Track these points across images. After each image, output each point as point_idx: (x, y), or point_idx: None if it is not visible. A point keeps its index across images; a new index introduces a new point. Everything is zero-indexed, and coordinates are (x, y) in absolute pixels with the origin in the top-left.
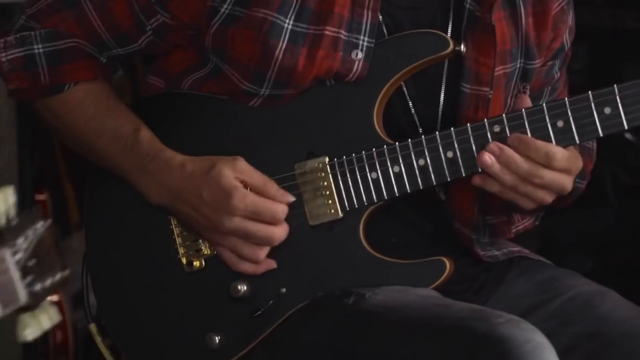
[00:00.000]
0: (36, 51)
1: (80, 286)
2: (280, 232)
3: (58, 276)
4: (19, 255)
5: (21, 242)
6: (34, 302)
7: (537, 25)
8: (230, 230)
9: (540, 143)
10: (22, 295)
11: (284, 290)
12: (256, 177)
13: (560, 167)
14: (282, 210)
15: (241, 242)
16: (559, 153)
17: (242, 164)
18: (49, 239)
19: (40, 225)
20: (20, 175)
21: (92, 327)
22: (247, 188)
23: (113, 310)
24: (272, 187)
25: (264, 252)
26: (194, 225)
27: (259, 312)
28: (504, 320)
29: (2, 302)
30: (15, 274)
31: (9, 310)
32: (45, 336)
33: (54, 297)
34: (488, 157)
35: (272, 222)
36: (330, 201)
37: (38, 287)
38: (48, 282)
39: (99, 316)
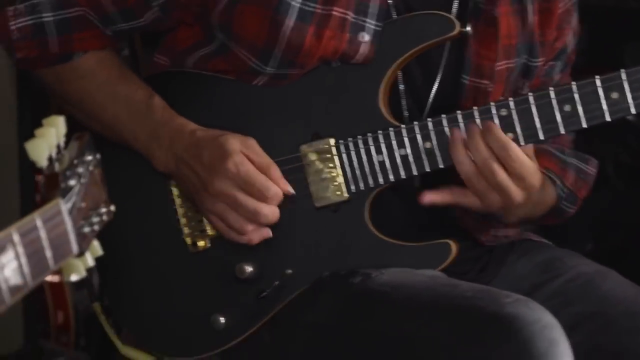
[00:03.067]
0: (45, 19)
1: None
2: (267, 210)
3: (105, 215)
4: (71, 202)
5: (74, 183)
6: (83, 247)
7: (542, 23)
8: (218, 192)
9: (502, 134)
10: (75, 246)
11: (289, 271)
12: (262, 157)
13: (515, 166)
14: (274, 190)
15: (229, 210)
16: (516, 150)
17: (252, 142)
18: (96, 174)
19: (91, 159)
20: (20, 155)
21: (96, 306)
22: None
23: (117, 290)
24: (275, 171)
25: (250, 226)
26: (190, 188)
27: (265, 293)
28: (512, 300)
29: (56, 256)
30: (69, 225)
31: (61, 263)
32: (46, 316)
33: (55, 278)
34: (457, 131)
35: (261, 198)
36: (335, 183)
37: (87, 229)
38: (96, 222)
39: (102, 296)
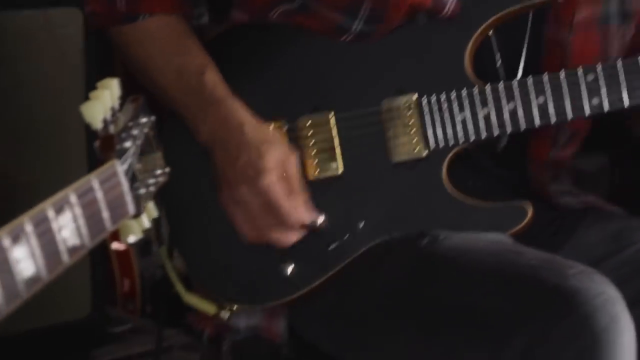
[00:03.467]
0: None
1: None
2: (278, 235)
3: (160, 176)
4: (127, 163)
5: (129, 145)
6: (139, 209)
7: None
8: (239, 200)
9: None
10: (131, 207)
11: (361, 225)
12: (297, 179)
13: None
14: (295, 219)
15: (243, 217)
16: None
17: (293, 159)
18: (151, 136)
19: (145, 122)
20: None
21: (162, 250)
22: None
23: (185, 238)
24: (304, 199)
25: (255, 235)
26: (215, 175)
27: (335, 244)
28: (576, 272)
29: (113, 217)
30: (125, 186)
31: (117, 224)
32: (113, 284)
33: (121, 247)
34: None
35: (279, 223)
36: (415, 139)
37: (143, 191)
38: (151, 183)
39: (170, 245)
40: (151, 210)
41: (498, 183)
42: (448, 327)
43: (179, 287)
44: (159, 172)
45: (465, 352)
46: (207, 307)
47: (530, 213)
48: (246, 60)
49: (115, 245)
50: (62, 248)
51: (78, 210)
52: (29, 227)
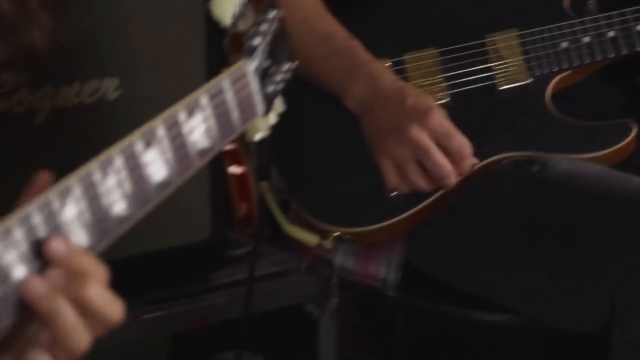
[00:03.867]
0: None
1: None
2: (452, 175)
3: (288, 71)
4: (256, 61)
5: (258, 42)
6: (267, 107)
7: None
8: (411, 138)
9: None
10: (260, 107)
11: None
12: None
13: None
14: (469, 152)
15: (411, 161)
16: None
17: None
18: (279, 30)
19: (273, 16)
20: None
21: (264, 185)
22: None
23: (288, 165)
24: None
25: (423, 183)
26: (377, 129)
27: None
28: None
29: (242, 118)
30: (255, 86)
31: (246, 125)
32: (231, 208)
33: (239, 170)
34: None
35: (455, 156)
36: (519, 68)
37: (271, 88)
38: (279, 80)
39: (268, 172)
40: (278, 105)
41: (602, 107)
42: (556, 250)
43: (280, 218)
44: (286, 67)
45: (571, 274)
46: (309, 237)
47: (634, 130)
48: (349, 2)
49: (234, 169)
50: (192, 151)
51: (209, 112)
52: (161, 131)
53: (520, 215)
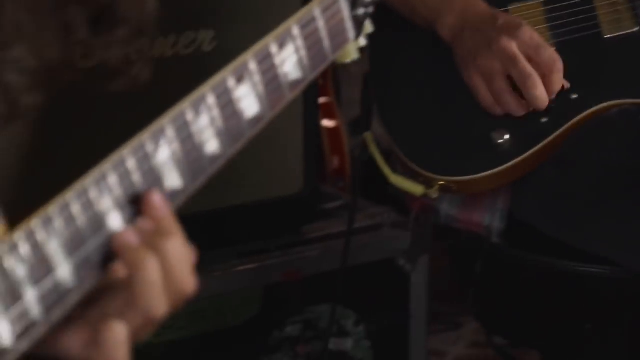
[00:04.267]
0: None
1: (357, 112)
2: (541, 88)
3: None
4: None
5: None
6: (358, 31)
7: None
8: (502, 48)
9: None
10: (351, 33)
11: (574, 96)
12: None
13: None
14: (559, 67)
15: (500, 73)
16: None
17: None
18: None
19: None
20: None
21: (367, 136)
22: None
23: (392, 114)
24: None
25: (510, 96)
26: (470, 49)
27: (548, 114)
28: None
29: (334, 46)
30: (346, 11)
31: (338, 53)
32: (324, 161)
33: (332, 124)
34: None
35: (544, 69)
36: (625, 16)
37: (361, 11)
38: (369, 2)
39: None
40: (367, 27)
41: None
42: None
43: (385, 170)
44: None
45: None
46: (414, 187)
47: None
48: None
49: (326, 122)
50: (284, 83)
51: (300, 42)
52: (252, 65)
53: (629, 165)
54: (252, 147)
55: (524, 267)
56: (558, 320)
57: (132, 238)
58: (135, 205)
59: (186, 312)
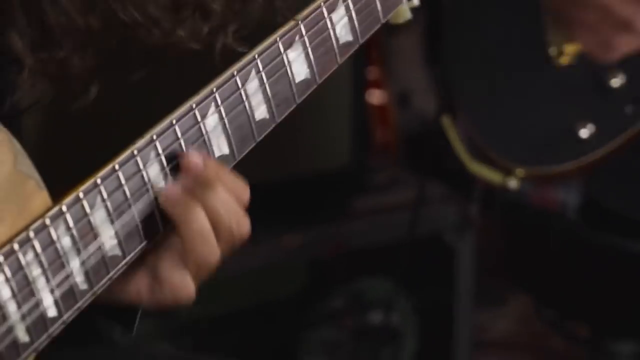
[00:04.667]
0: None
1: (406, 83)
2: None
3: None
4: None
5: None
6: None
7: None
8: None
9: None
10: None
11: None
12: None
13: None
14: None
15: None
16: None
17: None
18: None
19: None
20: None
21: (445, 120)
22: None
23: (473, 103)
24: None
25: (618, 37)
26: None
27: (632, 106)
28: None
29: (386, 7)
30: None
31: (389, 15)
32: (370, 134)
33: (379, 97)
34: None
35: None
36: None
37: None
38: None
39: (452, 109)
40: None
41: None
42: None
43: (464, 156)
44: None
45: None
46: (493, 175)
47: None
48: None
49: (374, 96)
50: (334, 46)
51: (351, 4)
52: (303, 28)
53: None
54: (301, 120)
55: (590, 243)
56: (616, 296)
57: (175, 193)
58: (177, 164)
59: (232, 284)
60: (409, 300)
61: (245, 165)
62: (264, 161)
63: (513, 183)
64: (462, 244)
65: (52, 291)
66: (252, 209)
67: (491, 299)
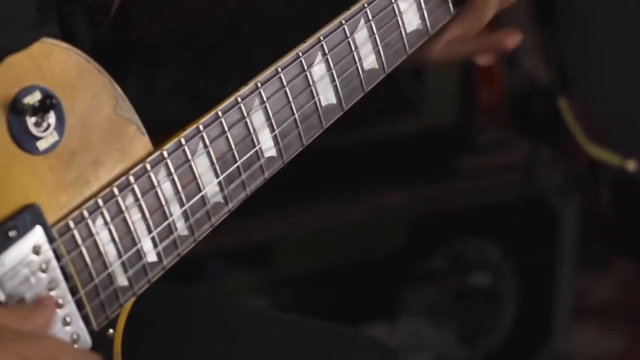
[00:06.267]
0: None
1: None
2: None
3: None
4: None
5: None
6: None
7: None
8: None
9: None
10: None
11: None
12: None
13: None
14: None
15: None
16: None
17: None
18: None
19: None
20: None
21: (562, 102)
22: None
23: (594, 87)
24: None
25: None
26: None
27: None
28: None
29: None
30: None
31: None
32: (478, 94)
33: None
34: None
35: None
36: None
37: None
38: None
39: (567, 90)
40: None
41: None
42: None
43: (581, 139)
44: None
45: None
46: (611, 157)
47: None
48: None
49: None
50: (403, 33)
51: None
52: None
53: None
54: (407, 79)
55: None
56: None
57: None
58: None
59: (334, 240)
60: (511, 262)
61: (352, 124)
62: (369, 120)
63: (632, 165)
64: (567, 207)
65: (152, 237)
66: (358, 167)
67: (594, 264)
